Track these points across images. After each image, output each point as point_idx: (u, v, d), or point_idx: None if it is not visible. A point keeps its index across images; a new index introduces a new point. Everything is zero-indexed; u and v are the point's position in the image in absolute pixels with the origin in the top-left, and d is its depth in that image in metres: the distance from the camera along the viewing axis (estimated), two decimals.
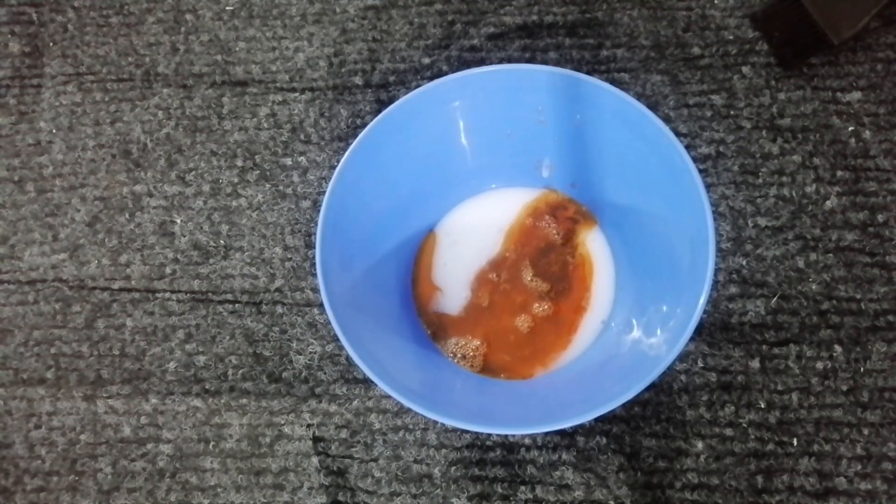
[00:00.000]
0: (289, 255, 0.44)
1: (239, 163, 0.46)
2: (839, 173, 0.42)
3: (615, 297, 0.40)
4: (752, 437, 0.38)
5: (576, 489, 0.38)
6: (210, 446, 0.41)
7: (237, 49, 0.48)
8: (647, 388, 0.33)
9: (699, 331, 0.40)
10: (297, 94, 0.47)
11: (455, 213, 0.43)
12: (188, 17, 0.49)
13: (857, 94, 0.43)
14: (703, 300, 0.33)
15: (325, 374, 0.41)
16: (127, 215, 0.46)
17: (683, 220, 0.35)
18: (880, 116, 0.43)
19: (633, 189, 0.39)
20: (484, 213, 0.43)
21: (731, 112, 0.44)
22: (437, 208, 0.43)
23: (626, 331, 0.38)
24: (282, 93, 0.47)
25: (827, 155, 0.42)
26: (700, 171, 0.42)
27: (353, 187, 0.37)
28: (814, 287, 0.40)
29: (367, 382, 0.41)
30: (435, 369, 0.39)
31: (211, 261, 0.44)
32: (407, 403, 0.33)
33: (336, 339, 0.41)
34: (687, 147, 0.42)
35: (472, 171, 0.42)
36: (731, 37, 0.45)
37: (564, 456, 0.39)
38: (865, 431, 0.38)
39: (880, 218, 0.41)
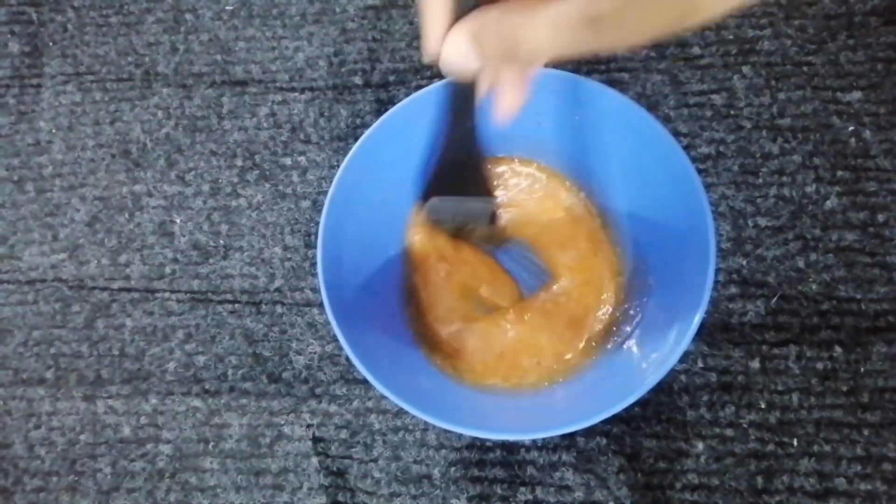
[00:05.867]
0: (288, 255, 0.44)
1: (238, 162, 0.46)
2: (839, 173, 0.42)
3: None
4: (753, 437, 0.38)
5: (576, 490, 0.38)
6: (210, 446, 0.41)
7: (237, 49, 0.48)
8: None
9: (699, 331, 0.40)
10: (296, 94, 0.47)
11: None
12: (188, 16, 0.49)
13: (857, 94, 0.43)
14: (704, 302, 0.33)
15: (324, 374, 0.41)
16: (126, 215, 0.45)
17: (683, 220, 0.35)
18: (880, 116, 0.43)
19: (632, 190, 0.39)
20: None
21: (732, 112, 0.44)
22: None
23: (627, 333, 0.38)
24: (281, 92, 0.47)
25: (827, 155, 0.42)
26: (700, 171, 0.42)
27: (354, 192, 0.37)
28: (814, 287, 0.40)
29: (366, 383, 0.41)
30: (434, 373, 0.39)
31: (210, 261, 0.44)
32: (407, 407, 0.33)
33: (336, 339, 0.41)
34: (687, 147, 0.43)
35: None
36: (731, 36, 0.45)
37: (564, 457, 0.39)
38: (865, 432, 0.38)
39: (880, 218, 0.41)
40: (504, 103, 0.29)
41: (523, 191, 0.42)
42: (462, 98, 0.30)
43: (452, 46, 0.25)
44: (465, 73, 0.27)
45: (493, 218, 0.36)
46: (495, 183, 0.35)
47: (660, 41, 0.45)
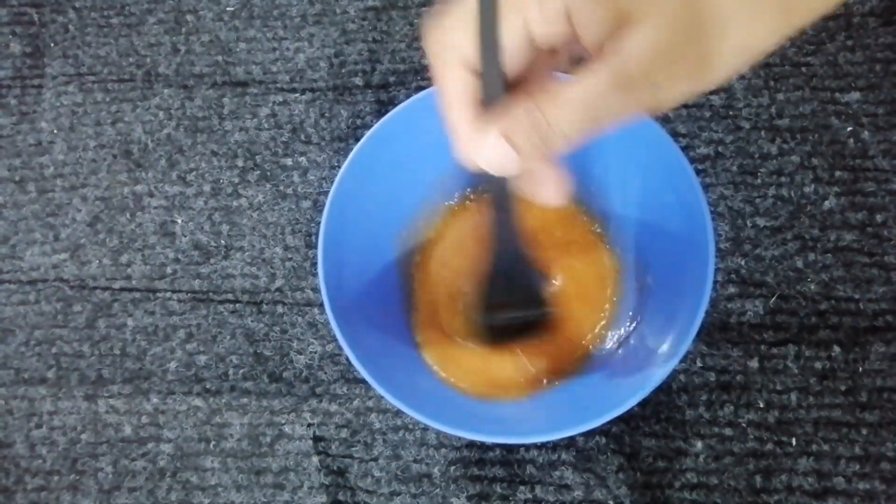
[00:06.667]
0: (289, 255, 0.44)
1: (240, 163, 0.46)
2: (838, 173, 0.42)
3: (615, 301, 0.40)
4: (751, 436, 0.38)
5: (575, 489, 0.38)
6: (211, 446, 0.41)
7: (238, 50, 0.48)
8: None
9: (698, 330, 0.40)
10: (297, 95, 0.47)
11: (456, 218, 0.43)
12: (189, 17, 0.49)
13: (855, 95, 0.43)
14: (704, 302, 0.33)
15: (325, 373, 0.41)
16: (128, 215, 0.46)
17: (682, 221, 0.36)
18: (879, 117, 0.43)
19: (630, 191, 0.39)
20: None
21: (730, 112, 0.44)
22: (438, 214, 0.43)
23: (627, 334, 0.38)
24: (282, 93, 0.47)
25: (825, 155, 0.42)
26: (699, 171, 0.42)
27: (354, 193, 0.37)
28: (812, 287, 0.40)
29: (367, 382, 0.41)
30: (433, 374, 0.39)
31: (212, 261, 0.44)
32: (405, 409, 0.33)
33: (336, 338, 0.41)
34: (686, 148, 0.43)
35: (473, 176, 0.42)
36: None
37: (564, 456, 0.39)
38: (864, 431, 0.38)
39: (879, 218, 0.41)
40: (545, 197, 0.28)
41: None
42: (500, 198, 0.29)
43: (489, 150, 0.25)
44: (507, 173, 0.26)
45: (543, 323, 0.36)
46: (546, 290, 0.35)
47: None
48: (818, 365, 0.39)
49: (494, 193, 0.30)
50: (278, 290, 0.43)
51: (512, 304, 0.35)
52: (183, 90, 0.48)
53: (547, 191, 0.28)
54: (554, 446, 0.39)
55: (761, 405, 0.39)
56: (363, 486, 0.39)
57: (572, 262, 0.41)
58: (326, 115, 0.46)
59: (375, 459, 0.40)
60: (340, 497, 0.39)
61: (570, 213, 0.41)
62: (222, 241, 0.45)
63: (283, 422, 0.41)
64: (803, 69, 0.44)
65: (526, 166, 0.25)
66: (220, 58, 0.48)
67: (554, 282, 0.40)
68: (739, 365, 0.39)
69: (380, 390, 0.34)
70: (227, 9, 0.49)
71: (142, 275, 0.44)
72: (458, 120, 0.25)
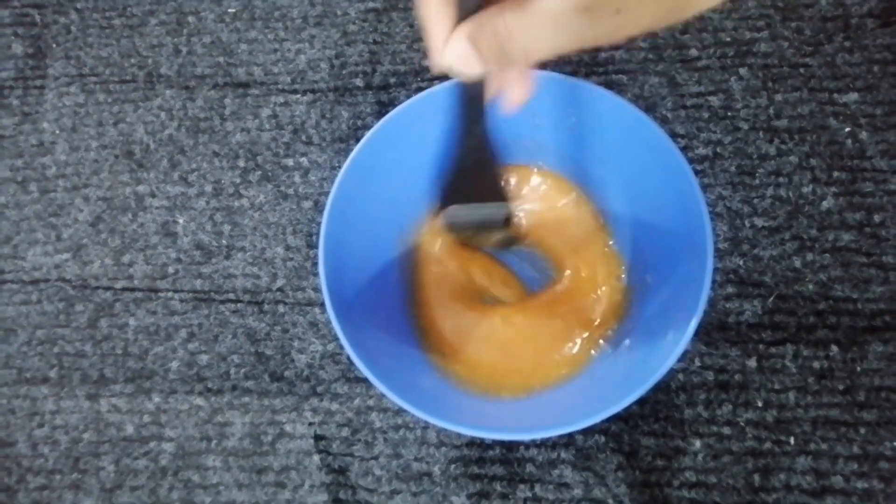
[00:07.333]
0: (290, 255, 0.44)
1: (241, 163, 0.46)
2: (836, 174, 0.42)
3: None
4: (750, 435, 0.38)
5: (574, 487, 0.38)
6: (212, 444, 0.41)
7: (239, 51, 0.49)
8: None
9: (697, 330, 0.40)
10: (298, 96, 0.47)
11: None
12: (190, 19, 0.50)
13: (853, 95, 0.43)
14: (702, 302, 0.33)
15: (326, 372, 0.42)
16: (130, 215, 0.46)
17: (681, 221, 0.36)
18: (877, 117, 0.43)
19: (630, 191, 0.39)
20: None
21: (729, 113, 0.44)
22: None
23: (625, 333, 0.39)
24: (283, 94, 0.47)
25: (824, 156, 0.43)
26: (697, 172, 0.43)
27: (355, 193, 0.38)
28: (810, 287, 0.41)
29: (367, 381, 0.41)
30: (435, 372, 0.39)
31: (213, 260, 0.44)
32: (406, 406, 0.33)
33: (337, 338, 0.42)
34: (684, 148, 0.43)
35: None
36: (728, 38, 0.45)
37: (563, 454, 0.39)
38: (862, 430, 0.38)
39: (877, 218, 0.41)
40: (510, 97, 0.29)
41: (525, 194, 0.42)
42: (472, 101, 0.30)
43: (452, 50, 0.26)
44: (469, 75, 0.27)
45: (508, 222, 0.36)
46: (509, 187, 0.35)
47: (656, 35, 0.46)
48: (816, 364, 0.39)
49: (464, 93, 0.30)
50: (279, 289, 0.43)
51: (474, 198, 0.35)
52: (185, 91, 0.48)
53: (511, 93, 0.29)
54: (553, 445, 0.39)
55: (759, 404, 0.39)
56: (364, 484, 0.39)
57: (582, 259, 0.41)
58: (327, 115, 0.47)
59: (376, 458, 0.40)
60: (341, 495, 0.39)
61: (583, 210, 0.41)
62: (224, 242, 0.45)
63: (285, 421, 0.41)
64: (801, 70, 0.44)
65: (487, 71, 0.26)
66: (221, 59, 0.48)
67: (563, 281, 0.41)
68: (738, 364, 0.40)
69: (381, 388, 0.34)
70: (229, 10, 0.49)
71: (144, 275, 0.45)
72: (430, 22, 0.26)
